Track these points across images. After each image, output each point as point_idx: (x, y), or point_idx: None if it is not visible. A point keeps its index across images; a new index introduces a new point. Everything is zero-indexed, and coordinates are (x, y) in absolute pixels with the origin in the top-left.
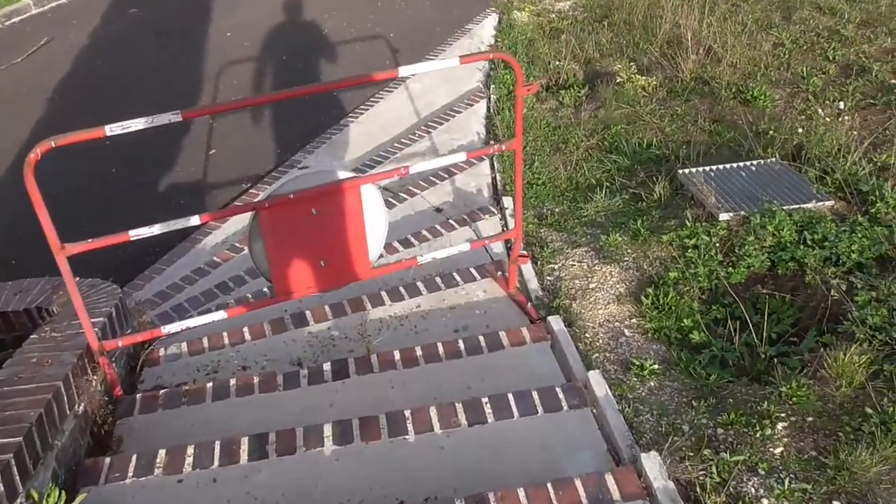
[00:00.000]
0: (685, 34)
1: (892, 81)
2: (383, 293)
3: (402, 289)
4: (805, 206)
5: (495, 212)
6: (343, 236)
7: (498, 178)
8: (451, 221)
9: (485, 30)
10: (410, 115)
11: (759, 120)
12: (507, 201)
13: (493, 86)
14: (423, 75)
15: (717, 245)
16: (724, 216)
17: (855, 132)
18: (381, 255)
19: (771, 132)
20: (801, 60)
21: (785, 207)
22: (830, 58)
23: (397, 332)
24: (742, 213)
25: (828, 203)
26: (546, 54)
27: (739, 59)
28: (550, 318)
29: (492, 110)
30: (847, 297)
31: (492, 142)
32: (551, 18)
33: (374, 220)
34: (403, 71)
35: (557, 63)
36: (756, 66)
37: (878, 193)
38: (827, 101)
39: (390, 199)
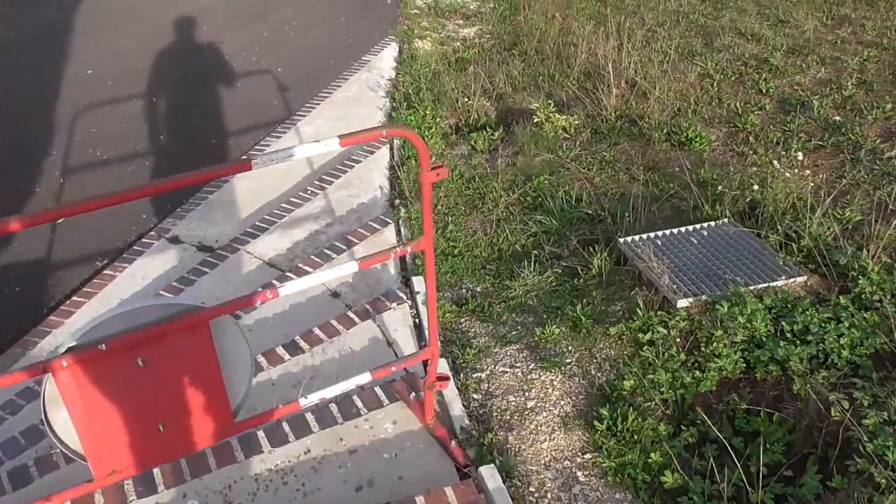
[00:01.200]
0: (604, 65)
1: (836, 118)
2: (261, 434)
3: (285, 425)
4: (775, 283)
5: (404, 297)
6: (187, 389)
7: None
8: (350, 313)
9: (384, 62)
10: (303, 167)
11: (698, 166)
12: (419, 283)
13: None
14: (315, 115)
15: (678, 340)
16: (682, 303)
17: (811, 184)
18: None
19: (720, 187)
20: (733, 94)
21: (752, 287)
22: (763, 90)
23: (278, 497)
24: (703, 297)
25: (800, 279)
26: (453, 90)
27: (666, 93)
28: (483, 471)
29: (396, 159)
30: (850, 417)
31: (401, 241)
32: (456, 47)
33: (231, 359)
34: (259, 164)
35: (466, 100)
36: (685, 101)
37: (857, 266)
38: (770, 143)
39: (275, 282)
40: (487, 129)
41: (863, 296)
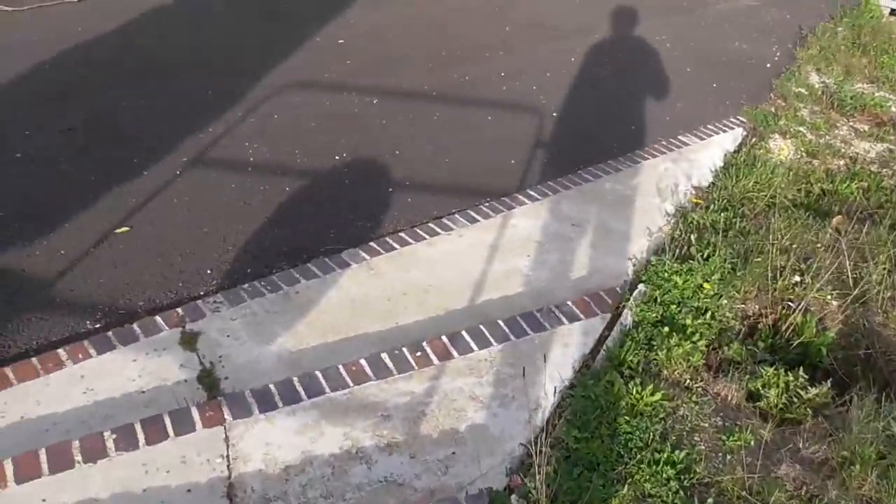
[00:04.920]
0: None
1: None
2: None
3: None
4: None
5: None
6: None
7: None
8: None
9: (708, 155)
10: (449, 298)
11: None
12: None
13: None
14: (551, 204)
15: None
16: None
17: None
18: None
19: None
20: None
21: None
22: None
23: None
24: None
25: None
26: (777, 255)
27: None
28: None
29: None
30: None
31: None
32: (835, 168)
33: None
34: None
35: (797, 281)
36: None
37: None
38: None
39: None
40: (804, 369)
41: None
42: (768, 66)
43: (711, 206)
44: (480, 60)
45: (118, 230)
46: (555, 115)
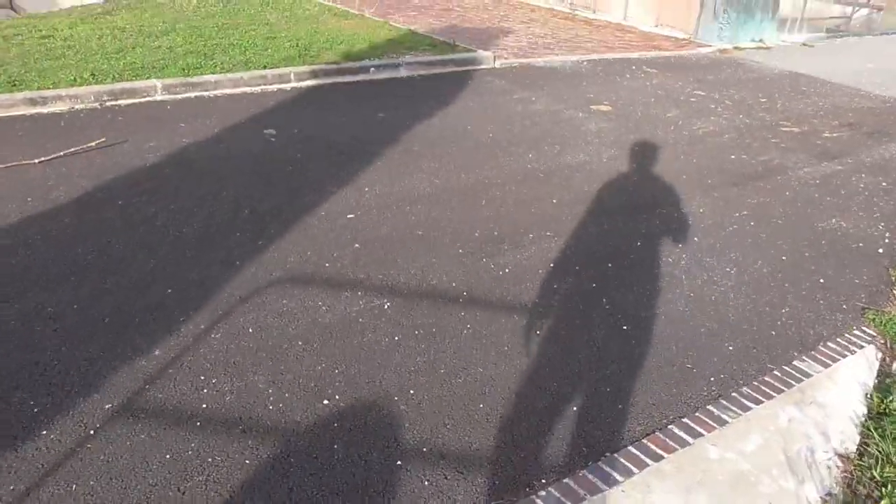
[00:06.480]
0: None
1: None
2: None
3: None
4: None
5: None
6: None
7: None
8: None
9: (836, 394)
10: None
11: None
12: None
13: None
14: (641, 485)
15: None
16: None
17: None
18: None
19: None
20: None
21: None
22: None
23: None
24: None
25: None
26: None
27: None
28: None
29: None
30: None
31: None
32: None
33: None
34: None
35: None
36: None
37: None
38: None
39: None
40: None
41: None
42: (880, 251)
43: (882, 498)
44: (523, 244)
45: None
46: (625, 327)
